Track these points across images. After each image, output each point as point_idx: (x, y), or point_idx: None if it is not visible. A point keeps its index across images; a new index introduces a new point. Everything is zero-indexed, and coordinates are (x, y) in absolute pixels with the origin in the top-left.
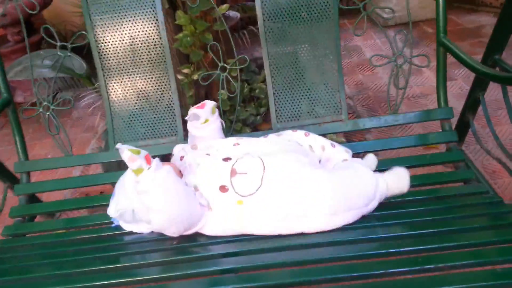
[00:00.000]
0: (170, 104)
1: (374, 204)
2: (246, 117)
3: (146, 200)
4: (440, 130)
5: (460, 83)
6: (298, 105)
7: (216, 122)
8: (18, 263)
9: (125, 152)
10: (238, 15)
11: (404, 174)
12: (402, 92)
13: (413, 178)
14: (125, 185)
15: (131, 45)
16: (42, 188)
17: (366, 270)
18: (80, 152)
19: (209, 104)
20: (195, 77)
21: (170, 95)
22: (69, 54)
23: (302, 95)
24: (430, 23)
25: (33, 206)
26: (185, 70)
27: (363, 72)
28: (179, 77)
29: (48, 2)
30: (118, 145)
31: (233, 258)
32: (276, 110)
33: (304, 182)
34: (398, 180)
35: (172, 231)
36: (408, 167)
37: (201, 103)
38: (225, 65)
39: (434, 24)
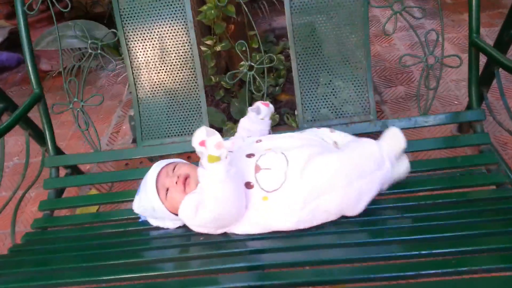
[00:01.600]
0: (197, 102)
1: (387, 166)
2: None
3: (203, 194)
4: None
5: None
6: (325, 104)
7: (268, 123)
8: (46, 254)
9: (216, 136)
10: None
11: (395, 131)
12: (433, 93)
13: (444, 180)
14: (146, 183)
15: (160, 43)
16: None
17: (397, 271)
18: (107, 120)
19: (272, 107)
20: (218, 48)
21: (197, 93)
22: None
23: (329, 94)
24: None
25: (61, 200)
26: (208, 42)
27: (380, 43)
28: (202, 48)
29: None
30: (203, 128)
31: (259, 255)
32: (302, 111)
33: (322, 167)
34: (393, 137)
35: (207, 230)
36: (440, 169)
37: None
38: (252, 64)
39: None
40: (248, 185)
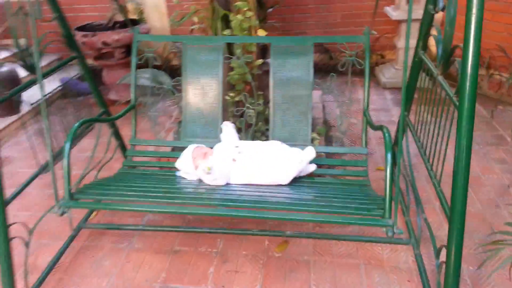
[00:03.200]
0: (217, 121)
1: (303, 164)
2: (264, 129)
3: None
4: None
5: None
6: (287, 132)
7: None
8: (129, 182)
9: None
10: None
11: (310, 149)
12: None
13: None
14: (185, 153)
15: (202, 89)
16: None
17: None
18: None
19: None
20: (236, 99)
21: (218, 115)
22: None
23: (290, 127)
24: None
25: (138, 152)
26: (231, 94)
27: (358, 117)
28: (226, 97)
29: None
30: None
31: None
32: (272, 133)
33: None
34: (309, 151)
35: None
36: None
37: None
38: (249, 105)
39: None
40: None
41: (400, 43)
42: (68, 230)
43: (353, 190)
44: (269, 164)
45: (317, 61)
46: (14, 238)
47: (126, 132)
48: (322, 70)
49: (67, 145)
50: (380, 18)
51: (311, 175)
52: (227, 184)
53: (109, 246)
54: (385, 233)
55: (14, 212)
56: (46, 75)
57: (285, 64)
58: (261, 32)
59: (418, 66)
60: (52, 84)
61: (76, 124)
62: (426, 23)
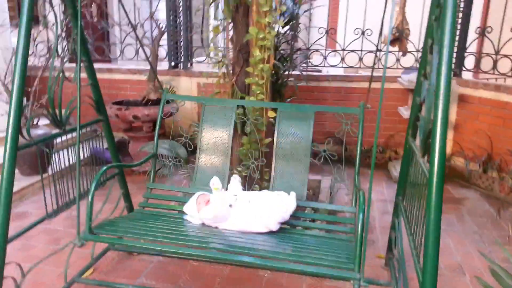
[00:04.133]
0: (224, 170)
1: (288, 213)
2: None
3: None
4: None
5: None
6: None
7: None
8: (139, 221)
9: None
10: None
11: (292, 199)
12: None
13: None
14: (192, 199)
15: (214, 144)
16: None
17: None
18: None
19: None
20: (244, 174)
21: (226, 166)
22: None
23: (287, 183)
24: None
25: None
26: (239, 168)
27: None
28: (235, 171)
29: (172, 113)
30: (215, 177)
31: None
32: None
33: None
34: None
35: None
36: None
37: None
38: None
39: None
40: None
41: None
42: (62, 283)
43: (338, 245)
44: (260, 210)
45: (332, 151)
46: (6, 277)
47: (135, 199)
48: (337, 161)
49: (93, 185)
50: (394, 117)
51: (305, 228)
52: (224, 230)
53: None
54: (353, 285)
55: (14, 252)
56: (72, 131)
57: (289, 127)
58: (271, 114)
59: (408, 152)
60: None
61: (104, 168)
62: (414, 112)
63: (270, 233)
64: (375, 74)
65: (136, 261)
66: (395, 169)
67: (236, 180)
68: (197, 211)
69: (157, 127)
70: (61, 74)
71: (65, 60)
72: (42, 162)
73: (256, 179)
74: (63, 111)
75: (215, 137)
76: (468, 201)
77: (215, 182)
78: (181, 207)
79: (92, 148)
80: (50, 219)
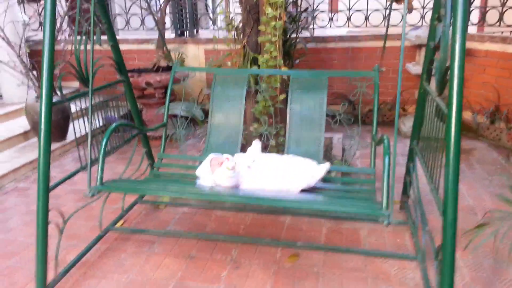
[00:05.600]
0: (237, 136)
1: (314, 179)
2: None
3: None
4: None
5: None
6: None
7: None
8: (156, 182)
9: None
10: None
11: (325, 165)
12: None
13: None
14: (205, 161)
15: (227, 109)
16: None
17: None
18: None
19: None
20: (260, 130)
21: (239, 132)
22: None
23: (303, 148)
24: None
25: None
26: (255, 125)
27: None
28: (251, 129)
29: (183, 79)
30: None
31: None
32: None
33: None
34: (323, 167)
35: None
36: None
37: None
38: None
39: None
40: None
41: None
42: (95, 234)
43: (360, 197)
44: (281, 174)
45: (340, 111)
46: (50, 222)
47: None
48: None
49: (104, 140)
50: (402, 74)
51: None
52: (238, 188)
53: (132, 249)
54: (382, 221)
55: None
56: (96, 90)
57: (302, 93)
58: (285, 68)
59: (423, 96)
60: (97, 121)
61: (114, 125)
62: (428, 57)
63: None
64: (380, 33)
65: (163, 213)
66: (404, 125)
67: (257, 144)
68: (211, 172)
69: (169, 90)
70: (83, 37)
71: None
72: (66, 123)
73: (273, 136)
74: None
75: (228, 98)
76: (477, 151)
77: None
78: (194, 174)
79: (106, 117)
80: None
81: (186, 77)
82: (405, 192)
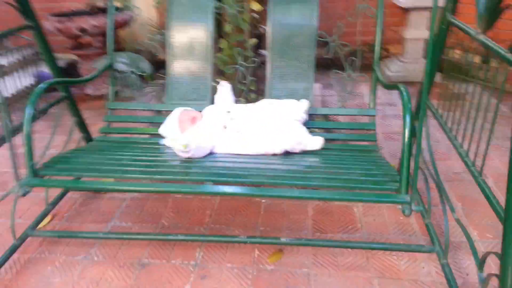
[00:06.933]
0: (206, 79)
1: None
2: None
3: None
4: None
5: None
6: (283, 94)
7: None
8: (102, 153)
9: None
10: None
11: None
12: None
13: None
14: (172, 116)
15: (189, 45)
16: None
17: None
18: None
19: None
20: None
21: (207, 74)
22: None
23: (287, 87)
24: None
25: (116, 116)
26: (218, 80)
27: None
28: (213, 84)
29: (126, 24)
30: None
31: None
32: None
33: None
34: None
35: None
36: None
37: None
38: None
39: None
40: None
41: (409, 33)
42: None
43: (361, 157)
44: (263, 134)
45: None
46: None
47: (94, 128)
48: (322, 65)
49: (28, 110)
50: (384, 9)
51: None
52: (212, 153)
53: (62, 259)
54: (401, 211)
55: None
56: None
57: (285, 13)
58: (255, 5)
59: (444, 34)
60: (26, 79)
61: (42, 85)
62: None
63: (272, 154)
64: None
65: (105, 200)
66: (388, 69)
67: (225, 88)
68: (181, 132)
69: (109, 37)
70: None
71: None
72: None
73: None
74: None
75: (190, 36)
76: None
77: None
78: (155, 129)
79: (36, 73)
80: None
81: (130, 20)
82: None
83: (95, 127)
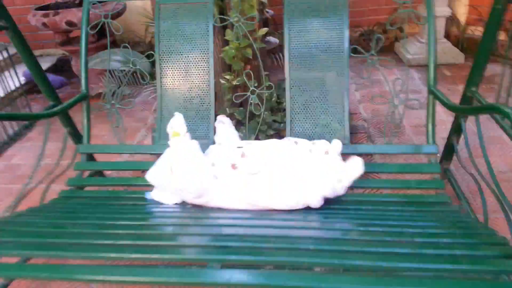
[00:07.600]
0: (207, 109)
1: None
2: (271, 121)
3: (173, 163)
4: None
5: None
6: (310, 128)
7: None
8: (73, 211)
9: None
10: (277, 41)
11: (358, 160)
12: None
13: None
14: (160, 167)
15: (183, 53)
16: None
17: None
18: (131, 137)
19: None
20: (234, 82)
21: (209, 100)
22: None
23: (315, 121)
24: (450, 67)
25: (92, 163)
26: (227, 76)
27: (380, 100)
28: (222, 81)
29: (120, 14)
30: (176, 113)
31: (233, 227)
32: (291, 128)
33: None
34: (355, 165)
35: (189, 191)
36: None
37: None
38: (255, 89)
39: (453, 68)
40: (233, 166)
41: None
42: None
43: (429, 216)
44: (298, 180)
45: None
46: None
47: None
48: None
49: None
50: None
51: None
52: (221, 209)
53: None
54: None
55: None
56: None
57: (306, 27)
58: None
59: (499, 14)
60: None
61: None
62: None
63: (308, 209)
64: None
65: None
66: (407, 51)
67: (225, 124)
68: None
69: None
70: None
71: None
72: None
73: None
74: None
75: (185, 62)
76: (498, 78)
77: (175, 123)
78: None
79: (27, 72)
80: None
81: (123, 10)
82: (447, 158)
83: (91, 131)
